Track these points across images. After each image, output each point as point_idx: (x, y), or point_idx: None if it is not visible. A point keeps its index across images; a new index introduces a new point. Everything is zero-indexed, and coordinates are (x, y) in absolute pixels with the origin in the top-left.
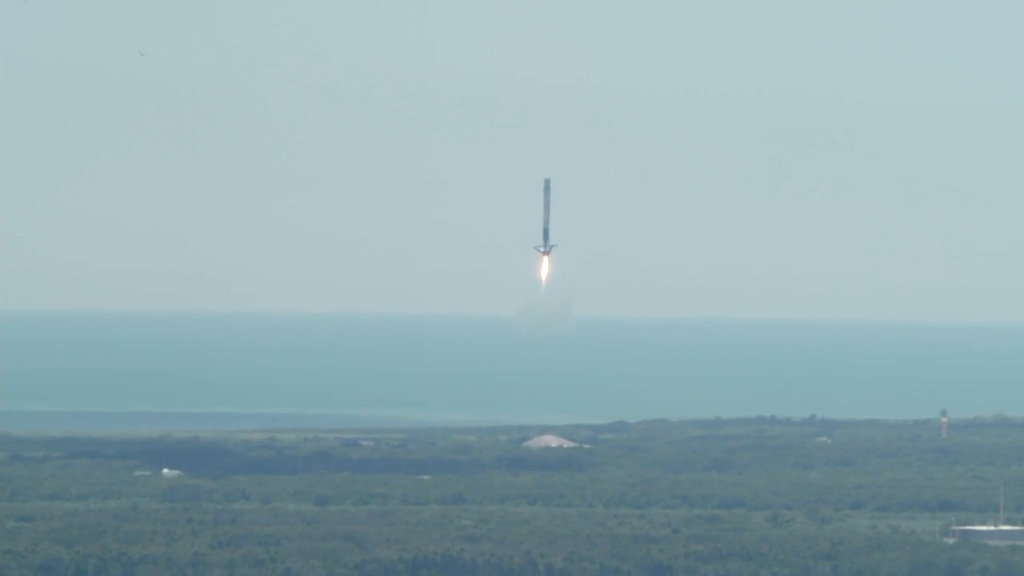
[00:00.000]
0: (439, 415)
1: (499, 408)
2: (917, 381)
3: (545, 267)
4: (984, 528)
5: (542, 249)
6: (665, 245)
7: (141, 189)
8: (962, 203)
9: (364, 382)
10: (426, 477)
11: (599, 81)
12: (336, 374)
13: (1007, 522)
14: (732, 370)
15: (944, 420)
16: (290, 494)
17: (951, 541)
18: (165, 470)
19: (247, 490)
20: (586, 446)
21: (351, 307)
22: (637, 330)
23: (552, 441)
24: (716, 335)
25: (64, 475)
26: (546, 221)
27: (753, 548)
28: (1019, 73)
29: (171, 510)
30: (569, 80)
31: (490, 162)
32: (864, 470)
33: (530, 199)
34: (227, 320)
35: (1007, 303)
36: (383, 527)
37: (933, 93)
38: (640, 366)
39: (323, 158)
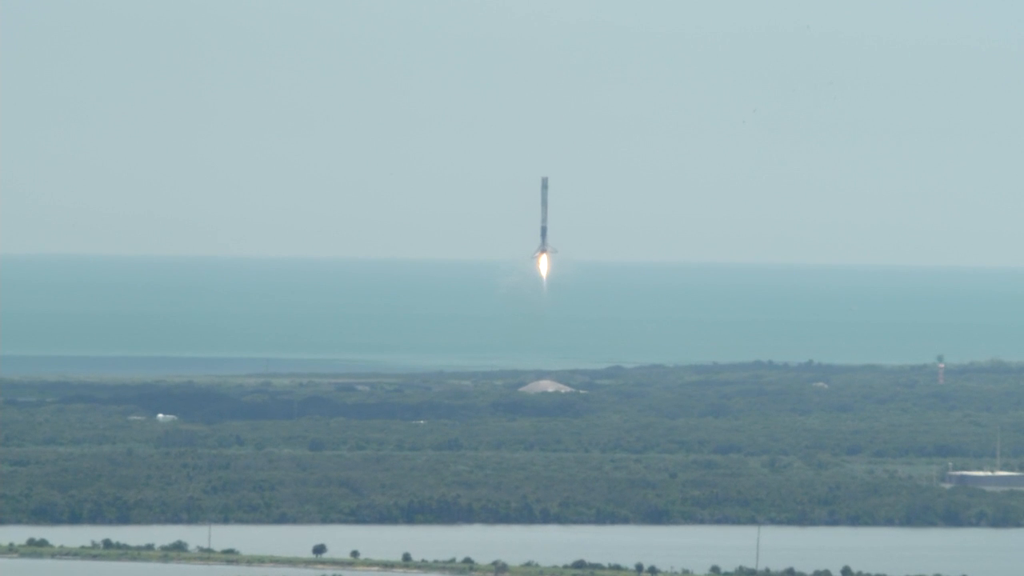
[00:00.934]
0: (434, 360)
1: (495, 353)
2: (914, 326)
3: (544, 265)
4: (981, 473)
5: (540, 248)
6: (661, 189)
7: (135, 136)
8: (959, 147)
9: (359, 327)
10: (422, 422)
11: (592, 19)
12: (331, 319)
13: (1004, 467)
14: (729, 315)
15: (941, 366)
16: (285, 439)
17: (948, 486)
18: (160, 415)
19: (242, 435)
20: (582, 391)
21: (346, 252)
22: (632, 275)
23: (548, 386)
24: (712, 280)
25: (59, 420)
26: (544, 219)
27: (750, 493)
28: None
29: (166, 455)
30: (562, 17)
31: (482, 107)
32: (861, 415)
33: (525, 155)
34: (220, 265)
35: (1004, 248)
36: (378, 472)
37: (924, 32)
38: (636, 311)
39: (314, 103)
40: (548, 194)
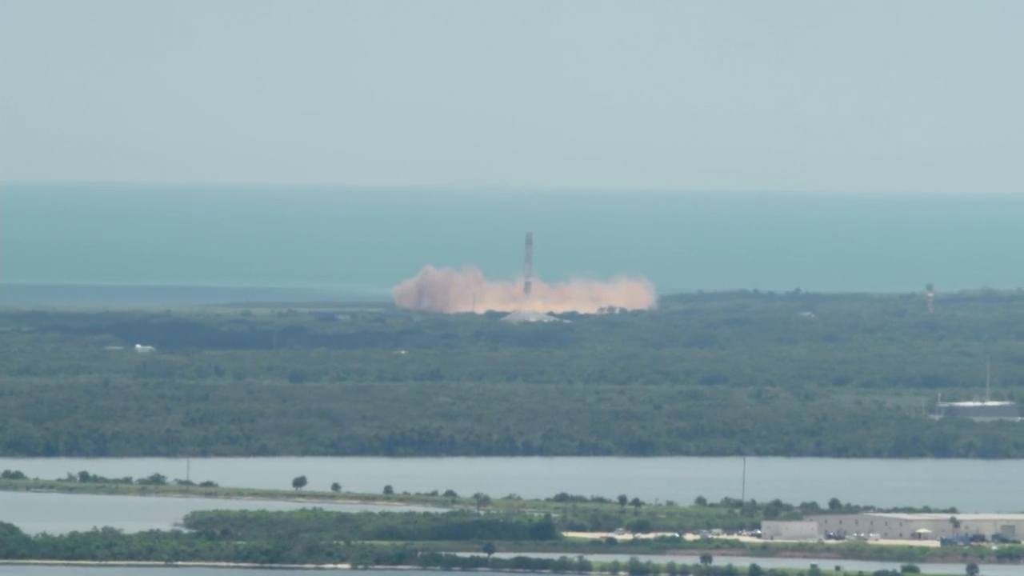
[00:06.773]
0: None
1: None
2: (903, 254)
3: (528, 313)
4: (970, 404)
5: (525, 296)
6: (646, 116)
7: (109, 64)
8: (947, 74)
9: (339, 255)
10: (403, 352)
11: None
12: (310, 247)
13: (993, 397)
14: (714, 243)
15: (930, 294)
16: (264, 370)
17: (937, 417)
18: (137, 345)
19: (221, 366)
20: (566, 321)
21: (324, 180)
22: (617, 202)
23: (531, 316)
24: (697, 207)
25: (34, 350)
26: (528, 275)
27: (736, 424)
28: None
29: (143, 386)
30: None
31: (439, 32)
32: (848, 345)
33: (490, 82)
34: (196, 193)
35: (996, 174)
36: (359, 404)
37: None
38: (620, 239)
39: (286, 28)
40: (532, 250)
